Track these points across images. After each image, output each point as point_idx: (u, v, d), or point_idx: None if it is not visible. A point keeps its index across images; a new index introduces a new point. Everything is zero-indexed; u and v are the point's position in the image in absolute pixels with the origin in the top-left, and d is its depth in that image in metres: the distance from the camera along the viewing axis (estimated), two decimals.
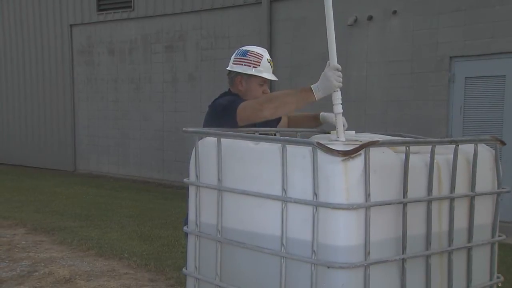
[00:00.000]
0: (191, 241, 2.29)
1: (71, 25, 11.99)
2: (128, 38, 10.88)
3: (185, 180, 2.32)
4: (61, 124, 12.48)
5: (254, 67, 2.68)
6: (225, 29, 9.59)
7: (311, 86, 2.29)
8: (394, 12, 7.62)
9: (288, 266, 1.92)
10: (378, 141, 1.83)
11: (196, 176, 2.24)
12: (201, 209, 2.24)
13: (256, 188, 2.02)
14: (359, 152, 1.78)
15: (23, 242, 5.71)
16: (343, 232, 1.80)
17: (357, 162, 1.79)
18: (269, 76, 2.73)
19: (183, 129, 2.29)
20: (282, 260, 1.93)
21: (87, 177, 11.28)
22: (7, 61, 13.51)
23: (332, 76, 2.20)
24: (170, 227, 6.28)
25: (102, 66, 11.58)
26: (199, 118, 2.96)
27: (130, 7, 10.75)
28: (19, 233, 6.13)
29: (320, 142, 1.82)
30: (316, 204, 1.83)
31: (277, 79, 2.74)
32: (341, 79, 2.18)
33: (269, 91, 2.75)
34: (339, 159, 1.78)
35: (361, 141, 1.87)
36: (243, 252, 2.07)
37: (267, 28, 8.95)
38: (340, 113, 2.20)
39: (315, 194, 1.83)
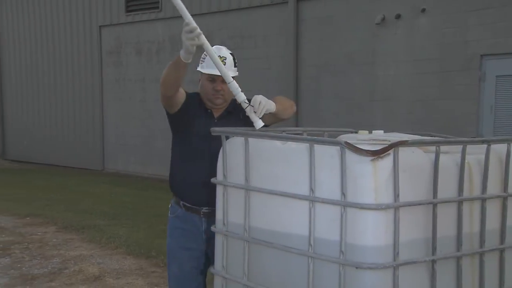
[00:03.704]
0: (219, 240, 2.30)
1: (100, 26, 12.17)
2: (155, 38, 10.99)
3: (212, 179, 2.34)
4: (90, 124, 12.68)
5: (201, 63, 2.70)
6: (251, 29, 9.60)
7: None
8: (423, 10, 7.51)
9: (316, 266, 1.91)
10: (407, 141, 1.81)
11: (224, 175, 2.25)
12: (229, 209, 2.24)
13: (283, 187, 2.01)
14: (388, 152, 1.76)
15: (54, 240, 5.83)
16: (372, 233, 1.79)
17: (386, 162, 1.77)
18: (208, 70, 2.62)
19: (211, 128, 2.30)
20: (310, 260, 1.92)
21: (115, 176, 11.44)
22: (38, 63, 13.80)
23: (184, 36, 2.29)
24: None
25: (130, 66, 11.72)
26: None
27: (157, 7, 10.86)
28: (50, 231, 6.25)
29: (348, 141, 1.81)
30: (344, 204, 1.81)
31: (218, 74, 2.51)
32: (192, 36, 2.27)
33: (222, 87, 2.61)
34: (368, 159, 1.77)
35: (389, 141, 1.85)
36: (270, 251, 2.07)
37: (293, 28, 8.92)
38: (243, 100, 2.39)
39: (343, 194, 1.82)
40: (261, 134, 2.16)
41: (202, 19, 10.22)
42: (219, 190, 2.30)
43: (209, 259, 2.69)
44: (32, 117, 14.15)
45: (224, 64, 2.54)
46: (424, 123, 7.55)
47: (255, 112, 2.38)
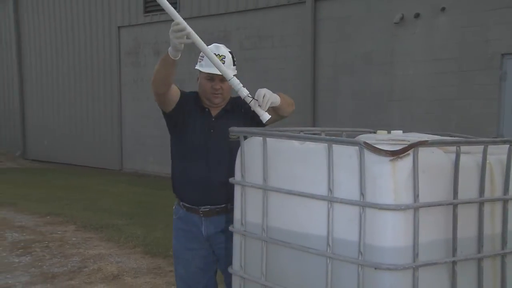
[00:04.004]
0: (237, 240, 2.30)
1: (119, 27, 12.29)
2: None
3: (230, 179, 2.34)
4: (108, 124, 12.80)
5: (199, 61, 2.69)
6: (269, 29, 9.60)
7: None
8: (443, 9, 7.43)
9: (334, 267, 1.90)
10: (427, 141, 1.79)
11: (242, 175, 2.26)
12: (247, 208, 2.25)
13: (301, 187, 2.01)
14: (407, 152, 1.75)
15: (74, 239, 5.90)
16: (391, 233, 1.77)
17: (406, 162, 1.76)
18: (207, 69, 2.61)
19: (229, 128, 2.31)
20: (328, 261, 1.91)
21: (133, 176, 11.53)
22: (59, 63, 13.98)
23: (171, 35, 2.31)
24: None
25: (148, 67, 11.80)
26: None
27: (175, 8, 10.88)
28: (70, 230, 6.33)
29: (367, 141, 1.79)
30: (363, 205, 1.80)
31: (216, 72, 2.52)
32: (179, 34, 2.29)
33: (220, 86, 2.62)
34: (387, 159, 1.75)
35: (409, 141, 1.83)
36: (288, 252, 2.06)
37: (311, 28, 8.90)
38: (246, 95, 2.39)
39: (361, 194, 1.81)
40: (280, 134, 2.16)
41: (220, 20, 10.26)
42: (237, 190, 2.30)
43: (216, 258, 2.72)
44: (52, 117, 14.33)
45: (223, 63, 2.54)
46: (442, 123, 7.47)
47: (260, 105, 2.37)
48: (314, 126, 8.63)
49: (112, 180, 10.88)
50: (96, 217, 7.01)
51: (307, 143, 2.05)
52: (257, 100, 2.37)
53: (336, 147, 1.90)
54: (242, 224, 2.26)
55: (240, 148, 2.27)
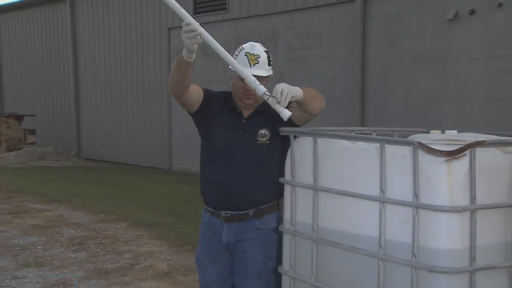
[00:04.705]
0: (287, 239, 2.30)
1: (169, 29, 12.51)
2: (221, 39, 11.07)
3: (280, 179, 2.34)
4: (158, 124, 13.07)
5: None
6: (317, 28, 9.53)
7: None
8: (500, 4, 7.16)
9: (386, 268, 1.88)
10: (485, 141, 1.74)
11: (292, 175, 2.25)
12: (296, 208, 2.24)
13: (352, 188, 1.99)
14: (464, 153, 1.70)
15: (125, 236, 6.05)
16: (446, 235, 1.73)
17: (462, 163, 1.71)
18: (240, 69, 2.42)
19: (279, 128, 2.31)
20: (380, 262, 1.88)
21: (181, 175, 11.72)
22: (111, 64, 14.39)
23: (183, 36, 2.24)
24: None
25: (196, 67, 11.77)
26: None
27: (224, 9, 11.02)
28: (122, 227, 6.49)
29: (421, 142, 1.75)
30: (417, 206, 1.77)
31: (249, 74, 2.33)
32: (190, 34, 2.21)
33: (252, 87, 2.34)
34: (442, 159, 1.71)
35: (464, 141, 1.78)
36: (338, 252, 2.05)
37: (360, 26, 8.78)
38: (263, 93, 2.25)
39: (415, 195, 1.77)
40: (330, 134, 2.14)
41: (268, 20, 10.28)
42: (287, 190, 2.30)
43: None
44: (104, 118, 14.76)
45: (257, 63, 2.45)
46: (499, 122, 7.19)
47: (278, 102, 2.20)
48: (362, 126, 8.51)
49: (161, 179, 11.09)
50: (146, 215, 7.17)
51: (359, 143, 2.03)
52: (274, 97, 2.20)
53: (388, 147, 1.87)
54: (292, 224, 2.26)
55: (290, 148, 2.27)
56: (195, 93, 2.56)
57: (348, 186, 2.00)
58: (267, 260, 2.51)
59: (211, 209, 2.61)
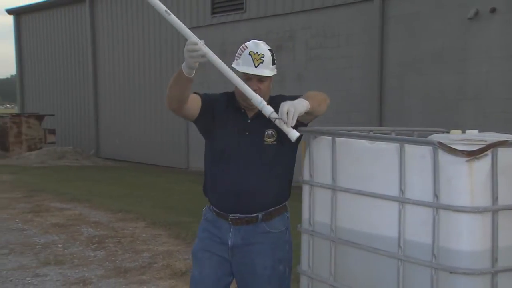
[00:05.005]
0: (305, 239, 2.29)
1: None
2: (239, 39, 11.13)
3: (299, 178, 2.34)
4: (176, 124, 13.13)
5: (236, 59, 2.46)
6: (335, 27, 9.49)
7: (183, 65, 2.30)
8: None
9: (405, 269, 1.86)
10: (507, 141, 1.71)
11: (310, 175, 2.25)
12: (315, 208, 2.24)
13: (371, 188, 1.98)
14: (485, 153, 1.68)
15: (144, 235, 6.09)
16: (467, 236, 1.71)
17: (483, 163, 1.69)
18: (244, 69, 2.40)
19: (298, 128, 2.30)
20: (400, 263, 1.87)
21: (199, 175, 11.71)
22: (130, 65, 14.51)
23: (186, 54, 2.24)
24: None
25: (214, 68, 11.81)
26: None
27: (242, 9, 11.03)
28: (140, 226, 6.55)
29: (441, 141, 1.74)
30: (437, 206, 1.75)
31: (253, 73, 2.36)
32: (194, 54, 2.22)
33: (258, 86, 2.36)
34: (463, 159, 1.69)
35: (485, 141, 1.76)
36: (357, 252, 2.04)
37: (378, 25, 8.72)
38: (271, 113, 2.18)
39: (435, 195, 1.75)
40: (349, 133, 2.13)
41: (285, 19, 10.27)
42: (305, 190, 2.29)
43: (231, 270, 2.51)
44: (123, 118, 14.89)
45: (262, 62, 2.38)
46: None
47: (285, 123, 2.13)
48: (380, 125, 8.45)
49: (178, 178, 11.15)
50: (164, 214, 7.21)
51: (378, 142, 2.02)
52: (281, 118, 2.14)
53: (408, 147, 1.85)
54: (310, 223, 2.25)
55: (308, 148, 2.26)
56: (193, 105, 2.46)
57: (367, 186, 1.99)
58: (277, 264, 2.45)
59: (217, 210, 2.56)
